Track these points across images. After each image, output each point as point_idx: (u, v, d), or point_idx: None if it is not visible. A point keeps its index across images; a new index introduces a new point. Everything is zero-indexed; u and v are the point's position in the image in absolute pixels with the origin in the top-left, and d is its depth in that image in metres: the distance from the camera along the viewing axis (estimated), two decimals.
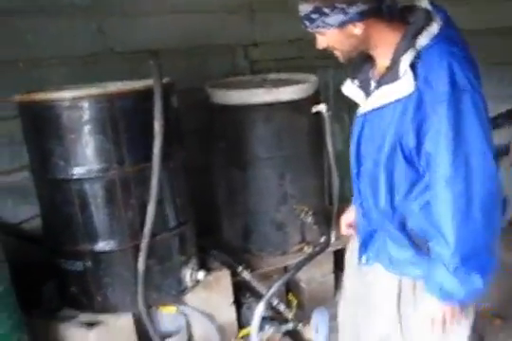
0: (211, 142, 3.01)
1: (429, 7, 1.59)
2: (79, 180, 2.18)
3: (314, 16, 1.54)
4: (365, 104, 1.70)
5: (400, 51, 1.54)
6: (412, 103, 1.50)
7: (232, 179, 3.03)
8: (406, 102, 1.52)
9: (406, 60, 1.51)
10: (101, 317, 2.34)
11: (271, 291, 2.66)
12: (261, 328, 2.73)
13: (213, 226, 3.23)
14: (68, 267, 2.33)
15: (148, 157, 2.16)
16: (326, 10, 1.51)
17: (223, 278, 2.69)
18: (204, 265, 2.68)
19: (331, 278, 3.35)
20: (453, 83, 1.45)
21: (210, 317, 2.67)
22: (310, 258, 2.86)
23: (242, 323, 2.89)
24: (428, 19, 1.56)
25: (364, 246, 1.89)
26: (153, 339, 2.39)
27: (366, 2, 1.49)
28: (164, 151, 2.16)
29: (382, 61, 1.63)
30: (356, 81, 1.76)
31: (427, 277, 1.65)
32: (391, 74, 1.55)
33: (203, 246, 2.77)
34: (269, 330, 2.78)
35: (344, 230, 2.13)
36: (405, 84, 1.51)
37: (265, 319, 2.78)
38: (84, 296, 2.35)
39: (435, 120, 1.47)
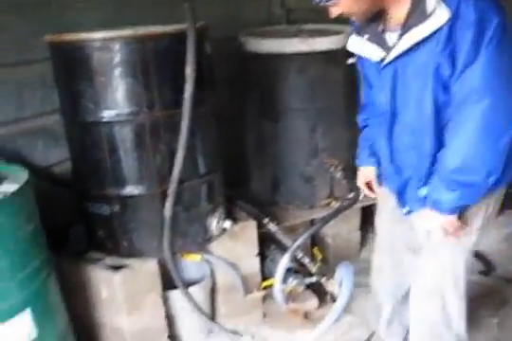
0: (243, 92, 2.96)
1: None
2: (108, 123, 2.16)
3: None
4: (390, 53, 1.75)
5: None
6: (443, 35, 1.60)
7: (263, 130, 2.99)
8: (438, 36, 1.61)
9: None
10: (127, 261, 2.36)
11: (297, 243, 2.66)
12: (284, 280, 2.74)
13: (242, 178, 3.21)
14: (96, 211, 2.34)
15: (178, 102, 2.12)
16: None
17: (249, 229, 2.68)
18: (230, 215, 2.67)
19: (357, 234, 3.34)
20: (479, 12, 1.55)
21: (235, 267, 2.68)
22: (337, 212, 2.83)
23: (265, 275, 2.89)
24: None
25: (401, 199, 2.00)
26: (177, 285, 2.41)
27: None
28: (195, 96, 2.12)
29: (398, 11, 1.72)
30: (366, 35, 1.83)
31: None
32: (416, 17, 1.64)
33: (231, 197, 2.76)
34: (292, 282, 2.78)
35: (367, 192, 2.31)
36: (438, 18, 1.58)
37: (288, 271, 2.78)
38: (111, 240, 2.37)
39: (465, 44, 1.58)
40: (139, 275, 2.33)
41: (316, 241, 3.22)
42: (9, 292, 1.80)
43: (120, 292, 2.28)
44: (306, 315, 2.84)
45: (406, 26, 1.67)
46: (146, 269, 2.36)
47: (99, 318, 2.40)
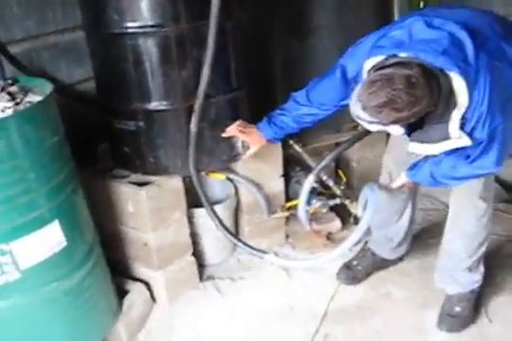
0: (272, 8, 2.84)
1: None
2: (133, 35, 2.09)
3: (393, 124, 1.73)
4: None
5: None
6: None
7: (291, 49, 2.89)
8: None
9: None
10: (153, 178, 2.36)
11: (321, 164, 2.63)
12: (308, 201, 2.74)
13: (268, 99, 3.14)
14: (121, 127, 2.31)
15: (205, 14, 2.03)
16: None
17: (274, 150, 2.66)
18: None
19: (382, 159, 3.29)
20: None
21: (259, 187, 2.68)
22: (362, 135, 2.78)
23: (289, 196, 2.90)
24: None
25: None
26: (202, 203, 2.41)
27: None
28: (222, 8, 2.03)
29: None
30: None
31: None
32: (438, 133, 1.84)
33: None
34: (316, 203, 2.79)
35: None
36: (458, 142, 1.84)
37: (312, 193, 2.78)
38: (137, 156, 2.36)
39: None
40: (164, 191, 2.33)
41: (341, 165, 3.19)
42: (38, 203, 1.81)
43: (146, 207, 2.29)
44: (329, 237, 2.87)
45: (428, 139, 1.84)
46: (171, 186, 2.36)
47: (126, 233, 2.44)
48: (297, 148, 2.84)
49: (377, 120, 1.70)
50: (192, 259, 2.56)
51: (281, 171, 2.75)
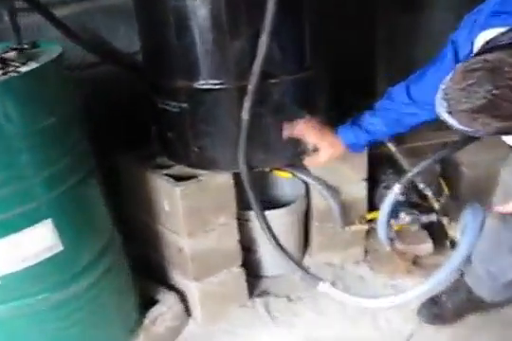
0: None
1: None
2: None
3: None
4: None
5: None
6: None
7: (397, 25, 2.33)
8: None
9: None
10: (198, 172, 1.93)
11: (417, 168, 2.06)
12: (395, 213, 2.20)
13: (367, 86, 2.60)
14: (165, 107, 1.90)
15: None
16: None
17: None
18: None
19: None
20: None
21: (334, 191, 2.17)
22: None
23: (374, 205, 2.35)
24: None
25: None
26: (253, 206, 1.94)
27: None
28: None
29: None
30: None
31: None
32: None
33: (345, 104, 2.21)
34: (405, 218, 2.22)
35: None
36: None
37: (403, 204, 2.22)
38: (180, 144, 1.94)
39: None
40: (207, 190, 1.90)
41: (447, 170, 2.58)
42: (27, 195, 1.45)
43: (181, 207, 1.87)
44: (416, 261, 2.30)
45: None
46: (217, 183, 1.92)
47: (162, 234, 2.05)
48: (390, 145, 2.28)
49: (471, 130, 1.14)
50: (240, 271, 2.12)
51: (364, 174, 2.22)
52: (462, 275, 2.10)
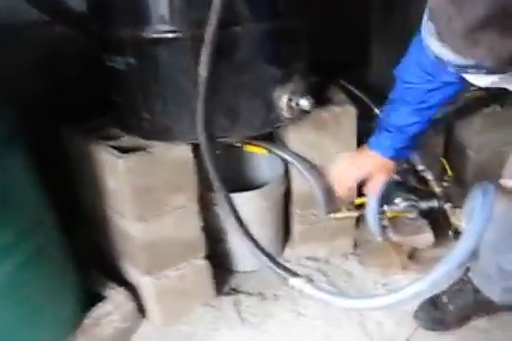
0: None
1: None
2: None
3: None
4: None
5: None
6: None
7: None
8: None
9: None
10: (149, 144, 1.61)
11: None
12: (389, 199, 1.87)
13: (358, 58, 2.26)
14: (112, 65, 1.58)
15: None
16: None
17: (344, 117, 1.80)
18: (320, 96, 1.79)
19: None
20: None
21: (318, 171, 1.84)
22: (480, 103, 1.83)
23: None
24: None
25: None
26: (215, 186, 1.61)
27: None
28: None
29: None
30: None
31: None
32: None
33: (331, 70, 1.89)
34: (400, 204, 1.89)
35: None
36: None
37: (398, 187, 1.90)
38: (128, 110, 1.62)
39: None
40: (160, 164, 1.57)
41: (450, 151, 2.24)
42: None
43: (127, 185, 1.55)
44: (413, 254, 1.96)
45: None
46: (171, 157, 1.59)
47: (110, 218, 1.72)
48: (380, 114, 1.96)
49: (472, 62, 0.81)
50: (204, 263, 1.79)
51: (353, 148, 1.89)
52: (467, 271, 1.76)
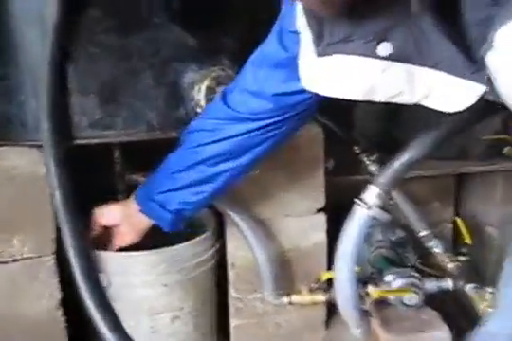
0: None
1: None
2: None
3: None
4: None
5: None
6: None
7: None
8: None
9: None
10: None
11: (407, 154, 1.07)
12: (377, 277, 1.19)
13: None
14: None
15: None
16: None
17: (311, 145, 1.17)
18: None
19: None
20: None
21: (262, 231, 1.18)
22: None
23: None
24: None
25: None
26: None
27: None
28: None
29: None
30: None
31: None
32: None
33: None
34: (393, 282, 1.19)
35: None
36: None
37: (388, 262, 1.23)
38: None
39: None
40: None
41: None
42: None
43: None
44: None
45: None
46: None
47: None
48: (366, 161, 1.34)
49: None
50: None
51: (322, 202, 1.23)
52: None
